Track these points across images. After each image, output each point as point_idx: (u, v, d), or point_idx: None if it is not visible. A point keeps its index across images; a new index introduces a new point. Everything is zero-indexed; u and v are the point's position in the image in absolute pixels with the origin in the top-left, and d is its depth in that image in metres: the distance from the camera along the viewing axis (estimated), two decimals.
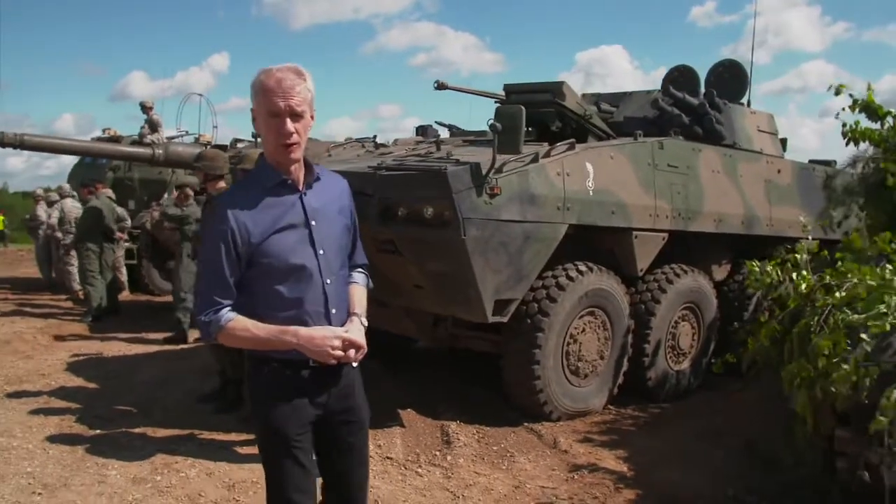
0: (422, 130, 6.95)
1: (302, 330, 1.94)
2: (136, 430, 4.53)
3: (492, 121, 4.28)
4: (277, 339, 1.94)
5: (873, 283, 2.81)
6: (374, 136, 6.36)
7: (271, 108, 1.90)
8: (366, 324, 2.11)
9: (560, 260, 5.00)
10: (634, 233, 5.32)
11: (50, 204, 11.79)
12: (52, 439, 4.35)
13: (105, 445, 4.24)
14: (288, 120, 1.91)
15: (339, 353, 1.94)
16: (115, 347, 7.13)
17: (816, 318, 2.79)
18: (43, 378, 5.80)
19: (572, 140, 4.97)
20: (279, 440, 2.01)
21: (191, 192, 7.22)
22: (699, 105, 6.43)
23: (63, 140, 8.74)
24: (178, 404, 5.10)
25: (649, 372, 5.60)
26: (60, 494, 3.56)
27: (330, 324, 2.01)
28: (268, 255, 1.95)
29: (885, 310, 2.66)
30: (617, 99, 6.97)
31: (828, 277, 3.00)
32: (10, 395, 5.27)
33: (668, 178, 5.56)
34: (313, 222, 2.01)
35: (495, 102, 5.90)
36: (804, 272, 3.11)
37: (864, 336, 2.55)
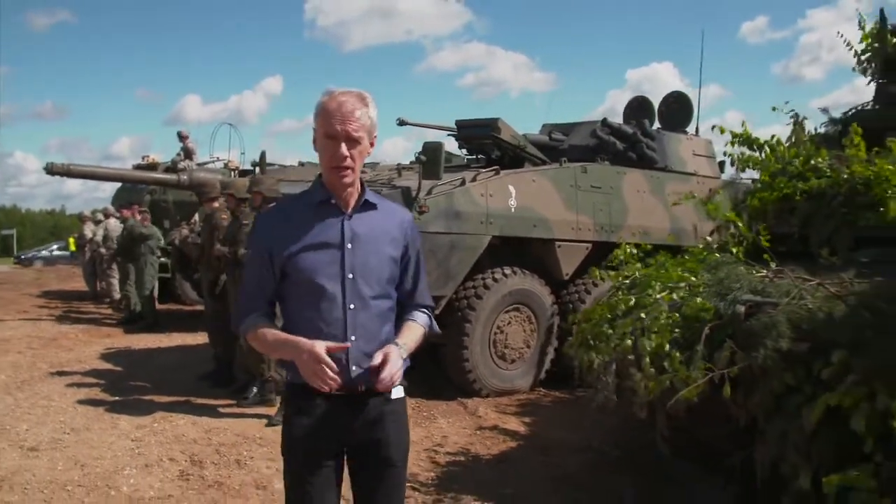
0: None
1: (303, 342, 1.86)
2: (146, 398, 5.80)
3: (419, 154, 5.45)
4: (282, 347, 1.93)
5: (648, 272, 3.86)
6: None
7: (328, 130, 1.89)
8: (405, 356, 1.98)
9: (493, 264, 6.11)
10: (557, 243, 6.39)
11: (96, 223, 13.31)
12: (81, 401, 5.65)
13: (120, 406, 5.52)
14: (343, 144, 1.90)
15: (320, 382, 1.82)
16: (142, 342, 8.47)
17: (607, 300, 3.86)
18: (80, 363, 7.15)
19: (497, 167, 6.09)
20: (294, 464, 2.00)
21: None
22: (632, 134, 7.49)
23: (105, 169, 10.18)
24: (183, 381, 6.34)
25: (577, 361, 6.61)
26: (83, 434, 4.82)
27: (347, 351, 1.94)
28: (296, 270, 1.93)
29: (650, 292, 3.70)
30: (568, 129, 8.07)
31: (635, 272, 4.05)
32: (53, 374, 6.64)
33: (591, 197, 6.63)
34: (349, 245, 1.95)
35: (448, 135, 7.10)
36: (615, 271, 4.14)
37: (618, 309, 3.62)
